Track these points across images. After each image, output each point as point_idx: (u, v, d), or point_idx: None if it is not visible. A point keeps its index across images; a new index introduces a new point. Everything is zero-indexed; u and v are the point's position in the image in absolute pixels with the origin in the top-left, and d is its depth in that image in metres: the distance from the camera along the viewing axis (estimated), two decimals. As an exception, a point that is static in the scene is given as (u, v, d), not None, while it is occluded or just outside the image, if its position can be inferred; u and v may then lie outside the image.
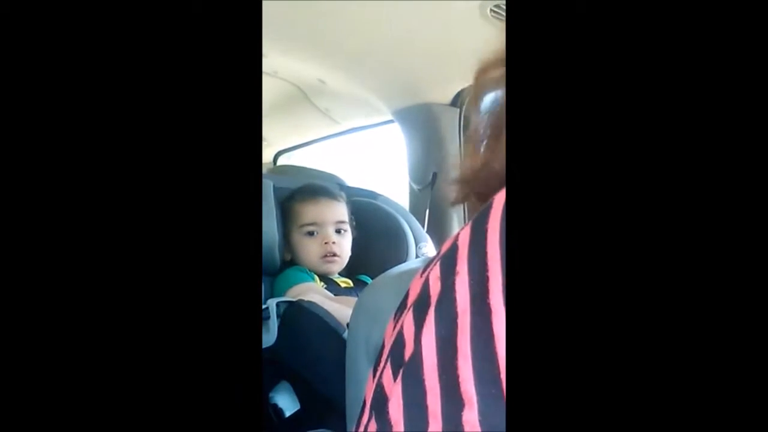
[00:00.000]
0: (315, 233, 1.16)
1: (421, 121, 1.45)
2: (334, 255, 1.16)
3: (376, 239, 1.25)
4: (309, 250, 1.16)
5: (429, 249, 1.26)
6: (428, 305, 0.27)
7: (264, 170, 1.89)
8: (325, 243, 1.16)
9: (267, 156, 2.23)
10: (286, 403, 0.95)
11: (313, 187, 1.21)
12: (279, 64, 1.51)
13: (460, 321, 0.25)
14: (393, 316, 0.32)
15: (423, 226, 1.36)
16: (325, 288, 1.12)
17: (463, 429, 0.24)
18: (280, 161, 2.24)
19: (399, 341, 0.28)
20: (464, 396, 0.24)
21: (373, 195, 1.34)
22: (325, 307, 0.95)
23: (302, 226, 1.16)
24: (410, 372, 0.26)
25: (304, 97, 1.73)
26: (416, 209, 1.48)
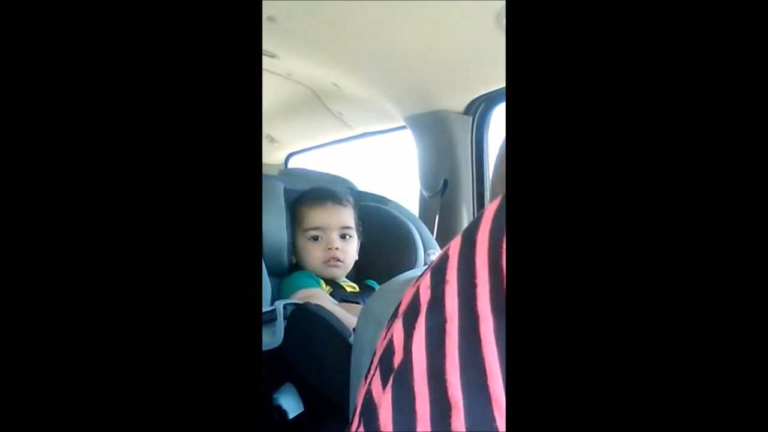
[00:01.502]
0: (319, 238, 1.16)
1: (433, 128, 1.45)
2: (338, 260, 1.16)
3: (384, 245, 1.25)
4: (313, 255, 1.16)
5: (438, 256, 1.25)
6: (418, 313, 0.27)
7: (275, 171, 1.89)
8: (329, 248, 1.15)
9: (279, 158, 2.24)
10: (290, 405, 0.95)
11: (319, 192, 1.21)
12: (293, 66, 1.52)
13: (448, 327, 0.25)
14: (386, 325, 0.32)
15: (432, 233, 1.36)
16: (331, 292, 1.12)
17: None
18: (292, 163, 2.25)
19: (389, 349, 0.28)
20: (452, 401, 0.24)
21: (383, 200, 1.35)
22: (333, 310, 0.96)
23: (306, 230, 1.16)
24: (400, 379, 0.26)
25: (317, 100, 1.74)
26: (426, 216, 1.48)
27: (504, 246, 0.25)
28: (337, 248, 1.16)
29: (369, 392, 0.29)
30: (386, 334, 0.30)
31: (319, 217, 1.17)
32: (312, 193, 1.20)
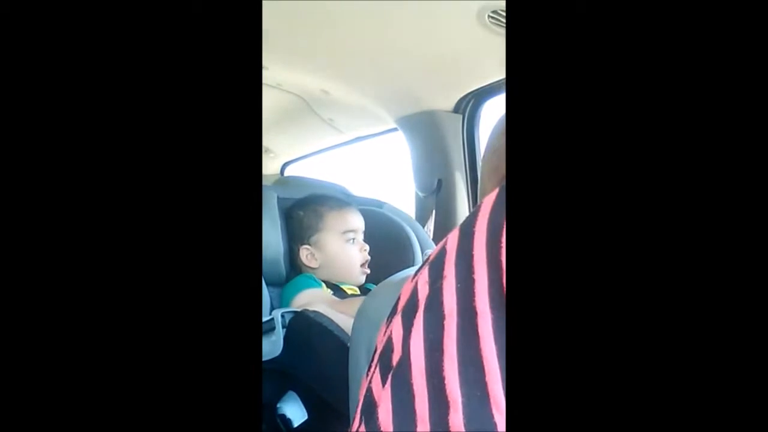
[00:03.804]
0: (354, 240, 1.17)
1: (424, 128, 1.45)
2: (367, 264, 1.17)
3: (382, 248, 1.24)
4: (354, 255, 1.16)
5: (435, 256, 1.25)
6: (416, 309, 0.27)
7: (271, 182, 1.90)
8: (363, 250, 1.17)
9: (274, 168, 2.25)
10: (294, 413, 0.95)
11: (341, 197, 1.23)
12: (282, 76, 1.52)
13: (446, 324, 0.25)
14: (385, 321, 0.32)
15: (429, 234, 1.36)
16: (333, 295, 1.12)
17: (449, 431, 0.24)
18: (288, 172, 2.25)
19: (388, 346, 0.28)
20: (450, 398, 0.24)
21: (378, 204, 1.35)
22: (332, 316, 0.95)
23: (346, 232, 1.16)
24: (399, 376, 0.26)
25: (308, 108, 1.74)
26: (422, 216, 1.48)
27: (502, 239, 0.25)
28: (367, 250, 1.17)
29: (369, 390, 0.28)
30: (386, 331, 0.30)
31: (354, 218, 1.18)
32: (331, 198, 1.20)
